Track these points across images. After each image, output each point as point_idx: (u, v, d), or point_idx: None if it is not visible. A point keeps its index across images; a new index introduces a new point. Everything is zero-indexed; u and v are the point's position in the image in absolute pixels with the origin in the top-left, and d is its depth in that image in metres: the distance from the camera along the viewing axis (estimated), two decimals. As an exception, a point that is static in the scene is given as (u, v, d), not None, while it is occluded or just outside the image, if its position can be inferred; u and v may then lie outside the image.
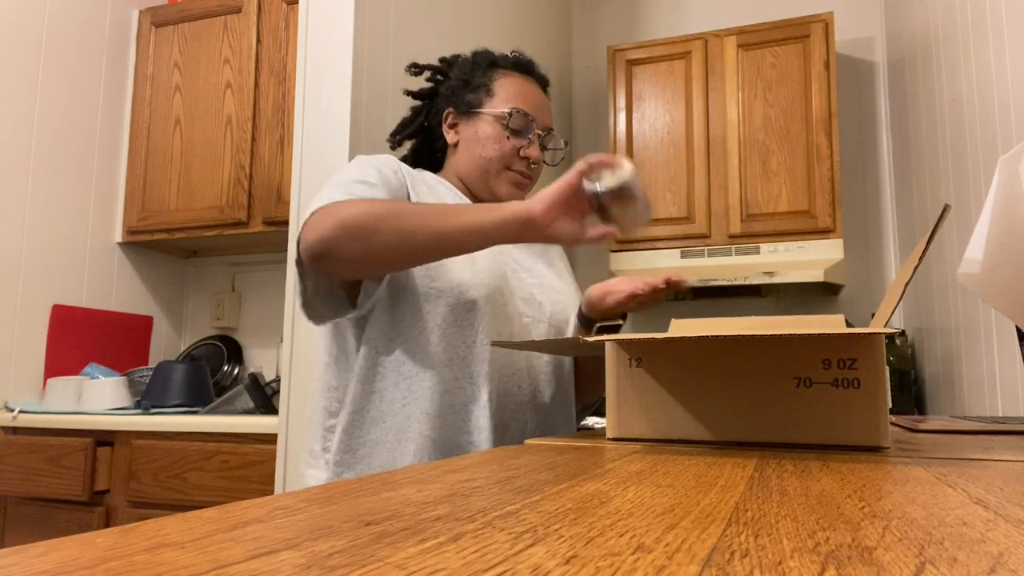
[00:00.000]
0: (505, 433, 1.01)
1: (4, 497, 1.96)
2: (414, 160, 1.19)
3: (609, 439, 0.72)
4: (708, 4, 3.10)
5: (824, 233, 2.47)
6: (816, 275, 2.40)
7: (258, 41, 2.37)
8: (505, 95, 1.08)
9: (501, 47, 2.56)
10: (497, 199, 1.08)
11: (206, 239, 2.44)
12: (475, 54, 1.15)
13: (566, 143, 1.16)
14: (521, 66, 1.13)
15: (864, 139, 2.82)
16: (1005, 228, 0.73)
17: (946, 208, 0.57)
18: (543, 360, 1.07)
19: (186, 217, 2.38)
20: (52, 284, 2.28)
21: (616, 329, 1.09)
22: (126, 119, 2.55)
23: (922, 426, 0.89)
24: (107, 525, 1.85)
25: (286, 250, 1.63)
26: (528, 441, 0.73)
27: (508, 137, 1.06)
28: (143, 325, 2.59)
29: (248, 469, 1.74)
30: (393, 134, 1.18)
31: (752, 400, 0.67)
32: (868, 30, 2.87)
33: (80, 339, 2.34)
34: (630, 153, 2.75)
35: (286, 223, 2.15)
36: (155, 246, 2.59)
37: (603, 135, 3.20)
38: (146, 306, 2.61)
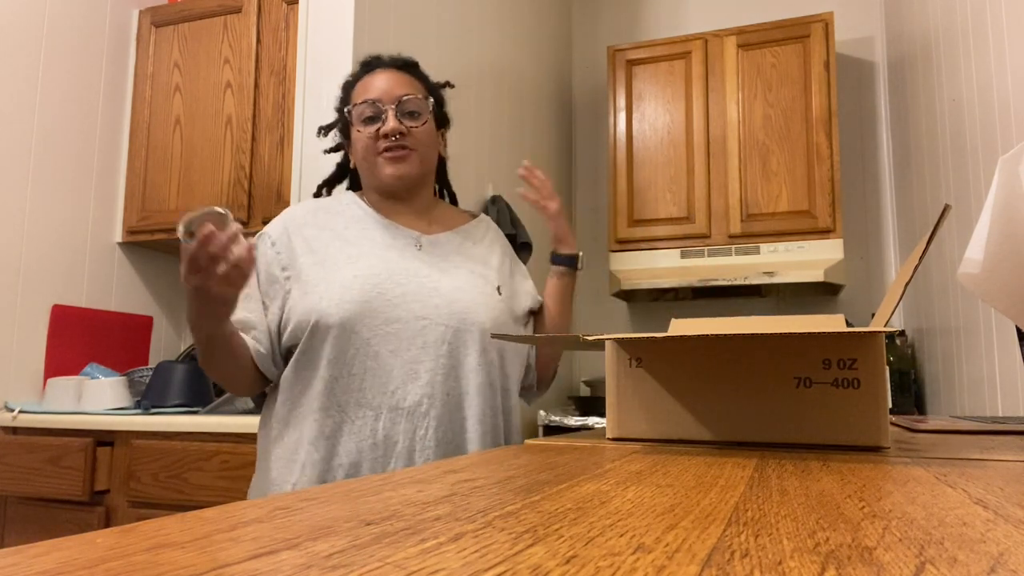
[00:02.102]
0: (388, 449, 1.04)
1: (4, 497, 1.96)
2: (354, 184, 1.26)
3: (609, 439, 0.72)
4: (708, 4, 3.10)
5: (824, 233, 2.47)
6: (816, 275, 2.40)
7: (258, 41, 2.37)
8: (356, 97, 1.14)
9: (501, 47, 2.57)
10: (387, 186, 1.14)
11: (206, 239, 2.44)
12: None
13: (426, 96, 1.16)
14: (367, 65, 1.17)
15: (864, 139, 2.82)
16: (1005, 228, 0.73)
17: (946, 208, 0.57)
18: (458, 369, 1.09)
19: (186, 217, 2.37)
20: (52, 284, 2.28)
21: (568, 260, 1.24)
22: (126, 119, 2.55)
23: (922, 426, 0.89)
24: (107, 525, 1.85)
25: (286, 250, 1.63)
26: (528, 441, 0.73)
27: (361, 130, 1.12)
28: (143, 325, 2.59)
29: (248, 469, 1.74)
30: (326, 183, 1.26)
31: (752, 400, 0.67)
32: (868, 30, 2.87)
33: (80, 339, 2.34)
34: (630, 153, 2.75)
35: (286, 223, 2.14)
36: (155, 246, 2.59)
37: (603, 135, 3.20)
38: (146, 306, 2.61)
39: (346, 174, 1.25)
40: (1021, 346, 0.84)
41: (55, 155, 2.30)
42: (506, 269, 1.24)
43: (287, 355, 1.09)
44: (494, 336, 0.74)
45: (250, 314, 1.08)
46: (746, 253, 2.54)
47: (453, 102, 1.27)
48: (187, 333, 2.75)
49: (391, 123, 1.10)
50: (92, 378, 2.13)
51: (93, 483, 1.86)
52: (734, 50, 2.66)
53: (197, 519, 0.29)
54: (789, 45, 2.60)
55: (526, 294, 1.26)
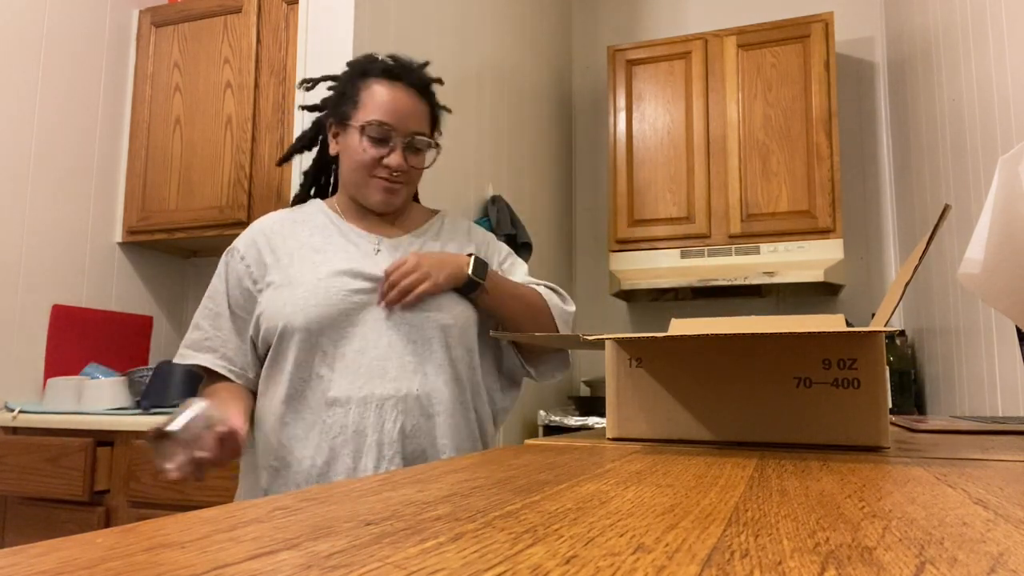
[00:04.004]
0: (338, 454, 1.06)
1: (4, 497, 1.96)
2: (312, 182, 1.26)
3: (609, 439, 0.72)
4: (708, 4, 3.10)
5: (824, 233, 2.47)
6: (816, 275, 2.40)
7: (258, 41, 2.37)
8: (370, 105, 1.11)
9: (501, 47, 2.57)
10: (371, 206, 1.15)
11: (206, 239, 2.44)
12: (351, 63, 1.19)
13: (436, 145, 1.17)
14: (390, 73, 1.13)
15: (864, 139, 2.82)
16: (1005, 228, 0.73)
17: (946, 208, 0.57)
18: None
19: (186, 217, 2.38)
20: (52, 284, 2.27)
21: (470, 286, 1.12)
22: (126, 119, 2.55)
23: (922, 426, 0.89)
24: (107, 525, 1.85)
25: (286, 250, 1.64)
26: (528, 441, 0.73)
27: (367, 148, 1.10)
28: (143, 325, 2.59)
29: (248, 469, 1.74)
30: (285, 155, 1.27)
31: (752, 400, 0.67)
32: (868, 30, 2.87)
33: (80, 339, 2.34)
34: (630, 153, 2.75)
35: (286, 223, 2.14)
36: (155, 246, 2.59)
37: (603, 135, 3.20)
38: (146, 306, 2.61)
39: (323, 176, 1.26)
40: (1021, 346, 0.84)
41: (55, 155, 2.30)
42: None
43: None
44: (493, 335, 0.74)
45: (217, 332, 1.13)
46: (746, 253, 2.53)
47: (453, 102, 1.27)
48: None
49: (397, 158, 1.11)
50: (92, 378, 2.12)
51: (93, 483, 1.86)
52: (734, 50, 2.66)
53: (197, 519, 0.29)
54: (789, 45, 2.60)
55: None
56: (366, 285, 1.09)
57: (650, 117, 2.75)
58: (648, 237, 2.68)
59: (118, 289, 2.51)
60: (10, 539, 1.94)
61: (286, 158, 1.28)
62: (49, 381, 2.13)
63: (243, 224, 2.30)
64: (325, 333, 1.06)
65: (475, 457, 0.55)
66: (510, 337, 0.77)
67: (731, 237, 2.58)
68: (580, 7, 3.34)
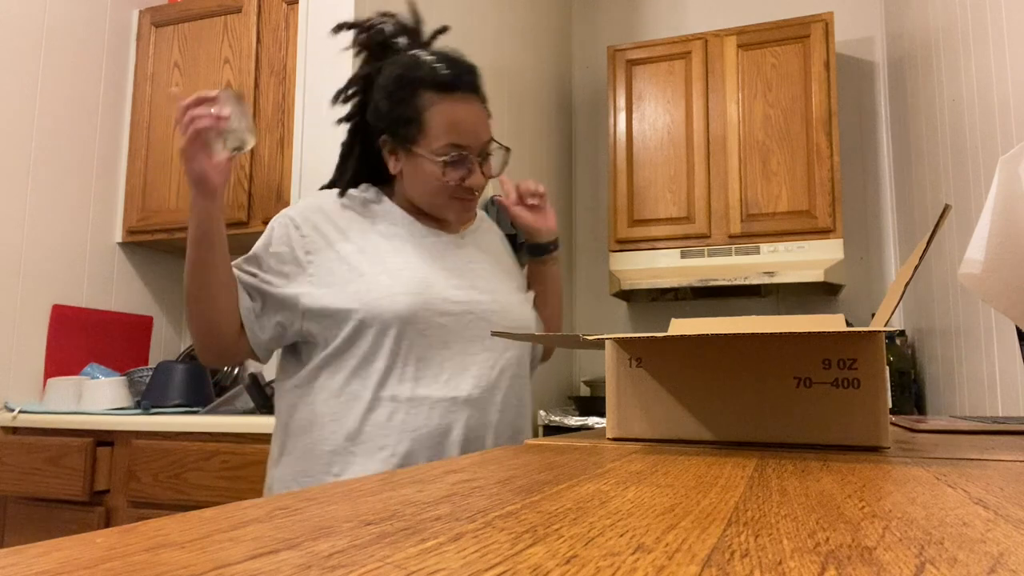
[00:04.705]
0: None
1: (4, 497, 1.96)
2: (356, 179, 1.18)
3: (609, 439, 0.72)
4: (708, 4, 3.10)
5: (824, 233, 2.47)
6: (816, 275, 2.40)
7: (258, 41, 2.37)
8: (438, 128, 1.05)
9: (501, 47, 2.56)
10: (443, 220, 1.15)
11: (206, 239, 2.44)
12: (395, 75, 1.09)
13: (507, 148, 1.16)
14: (447, 86, 1.06)
15: (864, 139, 2.82)
16: (1005, 228, 0.73)
17: (946, 208, 0.57)
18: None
19: (186, 217, 2.37)
20: (52, 284, 2.28)
21: (541, 249, 1.24)
22: (126, 119, 2.55)
23: (922, 426, 0.89)
24: (107, 525, 1.85)
25: (286, 250, 1.63)
26: (528, 441, 0.73)
27: (447, 173, 1.07)
28: (143, 325, 2.59)
29: (248, 469, 1.74)
30: (336, 173, 1.19)
31: (752, 400, 0.67)
32: (868, 30, 2.87)
33: (80, 339, 2.34)
34: (630, 153, 2.75)
35: (286, 223, 2.15)
36: (155, 246, 2.59)
37: (603, 135, 3.20)
38: (146, 306, 2.61)
39: (359, 153, 1.18)
40: (1021, 346, 0.84)
41: (55, 155, 2.30)
42: (508, 248, 1.29)
43: (295, 339, 1.07)
44: (494, 334, 0.74)
45: (253, 279, 1.07)
46: (746, 253, 2.54)
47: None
48: (187, 333, 2.75)
49: (478, 178, 1.09)
50: (92, 378, 2.13)
51: (93, 483, 1.86)
52: (734, 50, 2.66)
53: (197, 519, 0.29)
54: (789, 45, 2.60)
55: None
56: (448, 278, 1.08)
57: (650, 117, 2.75)
58: (648, 237, 2.68)
59: (118, 289, 2.51)
60: (10, 539, 1.94)
61: (343, 182, 1.19)
62: (49, 381, 2.13)
63: (243, 224, 2.30)
64: (413, 323, 1.03)
65: (475, 457, 0.55)
66: (510, 337, 0.78)
67: (731, 237, 2.58)
68: (580, 7, 3.34)
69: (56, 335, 2.26)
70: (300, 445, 1.06)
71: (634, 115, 2.77)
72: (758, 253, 2.52)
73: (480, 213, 1.29)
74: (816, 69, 2.54)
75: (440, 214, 1.12)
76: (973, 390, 1.76)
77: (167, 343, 2.69)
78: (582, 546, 0.25)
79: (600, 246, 3.12)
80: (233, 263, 1.07)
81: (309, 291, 1.04)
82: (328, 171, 1.54)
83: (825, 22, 2.56)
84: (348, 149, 1.19)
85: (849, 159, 2.81)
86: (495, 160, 1.14)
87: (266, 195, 2.28)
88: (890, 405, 2.01)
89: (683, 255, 2.62)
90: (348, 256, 1.06)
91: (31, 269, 2.21)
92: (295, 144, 1.61)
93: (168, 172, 2.44)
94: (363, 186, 1.17)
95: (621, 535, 0.27)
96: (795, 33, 2.59)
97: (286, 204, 2.21)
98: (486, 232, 1.25)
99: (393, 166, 1.12)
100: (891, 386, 2.30)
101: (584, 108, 3.28)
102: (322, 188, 1.20)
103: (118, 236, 2.50)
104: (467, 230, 1.21)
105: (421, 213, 1.15)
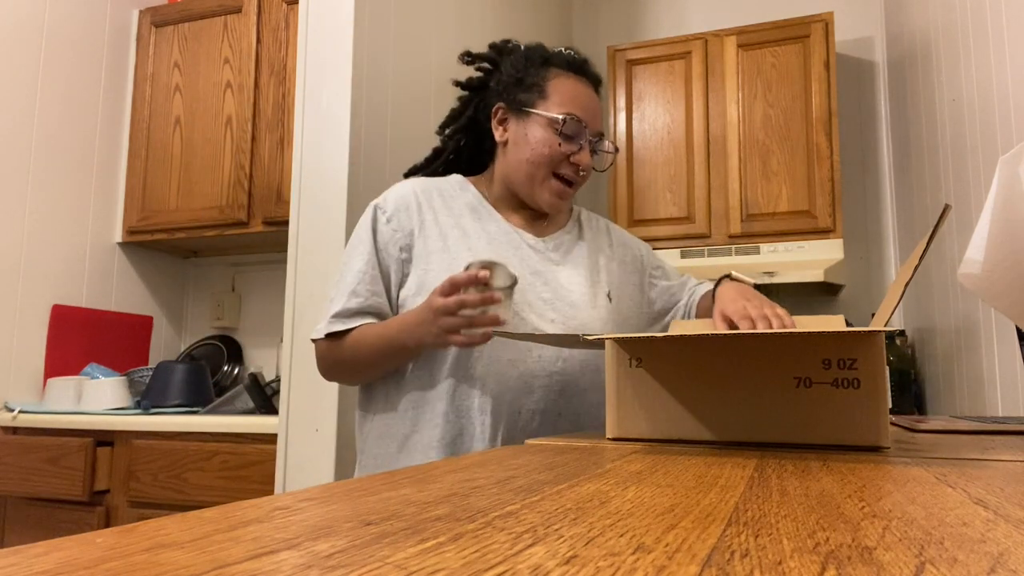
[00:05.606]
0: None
1: (4, 497, 1.96)
2: (457, 159, 1.18)
3: (609, 439, 0.72)
4: (708, 4, 3.10)
5: (824, 233, 2.47)
6: (816, 275, 2.40)
7: (258, 41, 2.37)
8: (560, 98, 1.06)
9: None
10: (538, 206, 1.10)
11: (206, 239, 2.44)
12: (528, 48, 1.12)
13: (616, 149, 1.15)
14: (575, 66, 1.10)
15: (864, 139, 2.82)
16: (1005, 228, 0.73)
17: (946, 208, 0.57)
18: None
19: (186, 217, 2.38)
20: (52, 284, 2.28)
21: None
22: (126, 119, 2.55)
23: (922, 426, 0.89)
24: (107, 525, 1.85)
25: (286, 250, 1.63)
26: (528, 441, 0.73)
27: (560, 143, 1.05)
28: (143, 325, 2.59)
29: (248, 469, 1.74)
30: (442, 127, 1.18)
31: (752, 400, 0.67)
32: (868, 30, 2.87)
33: (80, 339, 2.34)
34: (630, 153, 2.75)
35: (286, 223, 2.14)
36: (155, 246, 2.59)
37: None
38: (146, 306, 2.61)
39: (467, 127, 1.16)
40: (1021, 346, 0.84)
41: (55, 155, 2.30)
42: (614, 267, 1.20)
43: None
44: (497, 334, 0.74)
45: (379, 298, 1.05)
46: (746, 253, 2.53)
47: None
48: (187, 333, 2.76)
49: (586, 158, 1.07)
50: (92, 378, 2.13)
51: (93, 483, 1.86)
52: (734, 50, 2.66)
53: (197, 519, 0.29)
54: (789, 45, 2.60)
55: (656, 295, 1.23)
56: (523, 288, 1.05)
57: (650, 117, 2.75)
58: (648, 237, 2.68)
59: (118, 289, 2.51)
60: (10, 539, 1.94)
61: (443, 127, 1.19)
62: (49, 381, 2.13)
63: (243, 224, 2.30)
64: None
65: (475, 457, 0.55)
66: (510, 336, 0.77)
67: (731, 237, 2.58)
68: (580, 7, 3.34)
69: (56, 335, 2.26)
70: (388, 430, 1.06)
71: (634, 115, 2.77)
72: (758, 253, 2.52)
73: (585, 220, 1.23)
74: (816, 69, 2.54)
75: (532, 192, 1.08)
76: (973, 390, 1.76)
77: (167, 343, 2.69)
78: (582, 546, 0.25)
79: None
80: (368, 303, 1.05)
81: (405, 293, 1.05)
82: (328, 171, 1.53)
83: (825, 22, 2.56)
84: (456, 119, 1.17)
85: (849, 159, 2.81)
86: (601, 158, 1.13)
87: (266, 195, 2.28)
88: (890, 405, 2.01)
89: (683, 255, 2.62)
90: (433, 255, 1.05)
91: (31, 269, 2.21)
92: (295, 144, 1.61)
93: (168, 172, 2.44)
94: (454, 175, 1.16)
95: (621, 535, 0.27)
96: (795, 33, 2.59)
97: (286, 204, 2.21)
98: (587, 239, 1.19)
99: (500, 135, 1.10)
100: (891, 386, 2.30)
101: (584, 108, 3.28)
102: (409, 172, 1.19)
103: (118, 236, 2.50)
104: (557, 236, 1.16)
105: (513, 205, 1.12)
